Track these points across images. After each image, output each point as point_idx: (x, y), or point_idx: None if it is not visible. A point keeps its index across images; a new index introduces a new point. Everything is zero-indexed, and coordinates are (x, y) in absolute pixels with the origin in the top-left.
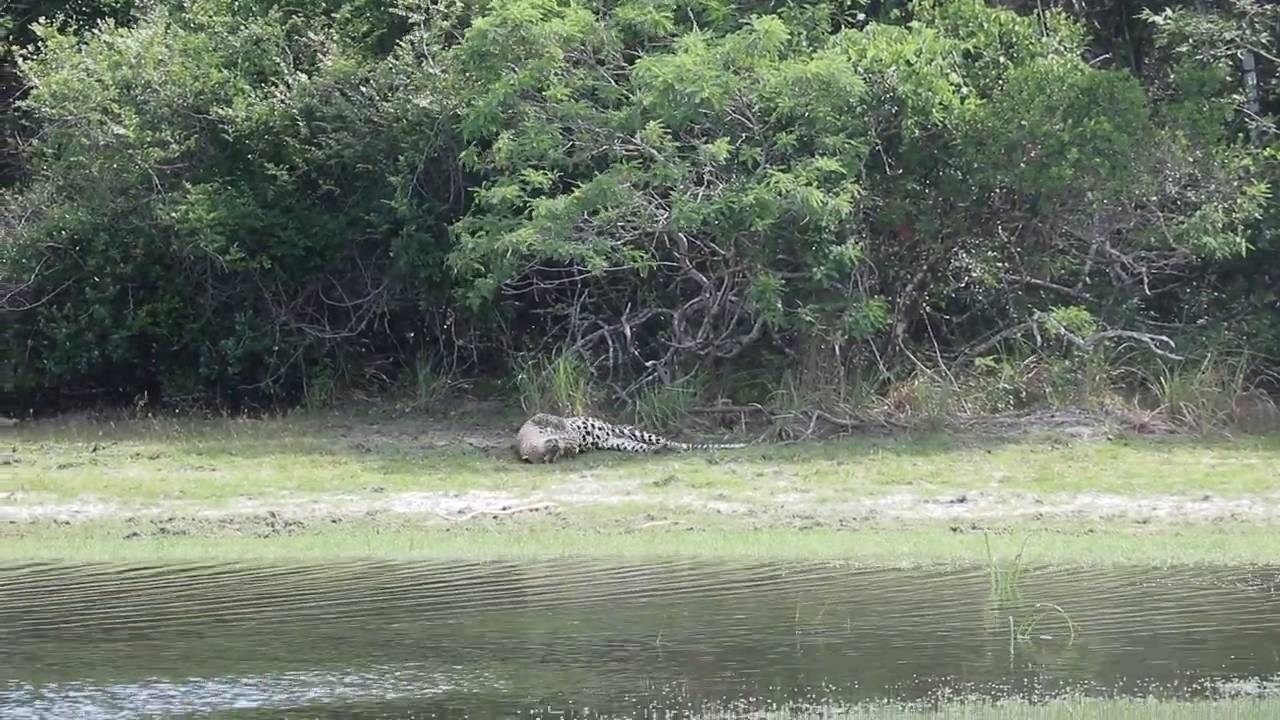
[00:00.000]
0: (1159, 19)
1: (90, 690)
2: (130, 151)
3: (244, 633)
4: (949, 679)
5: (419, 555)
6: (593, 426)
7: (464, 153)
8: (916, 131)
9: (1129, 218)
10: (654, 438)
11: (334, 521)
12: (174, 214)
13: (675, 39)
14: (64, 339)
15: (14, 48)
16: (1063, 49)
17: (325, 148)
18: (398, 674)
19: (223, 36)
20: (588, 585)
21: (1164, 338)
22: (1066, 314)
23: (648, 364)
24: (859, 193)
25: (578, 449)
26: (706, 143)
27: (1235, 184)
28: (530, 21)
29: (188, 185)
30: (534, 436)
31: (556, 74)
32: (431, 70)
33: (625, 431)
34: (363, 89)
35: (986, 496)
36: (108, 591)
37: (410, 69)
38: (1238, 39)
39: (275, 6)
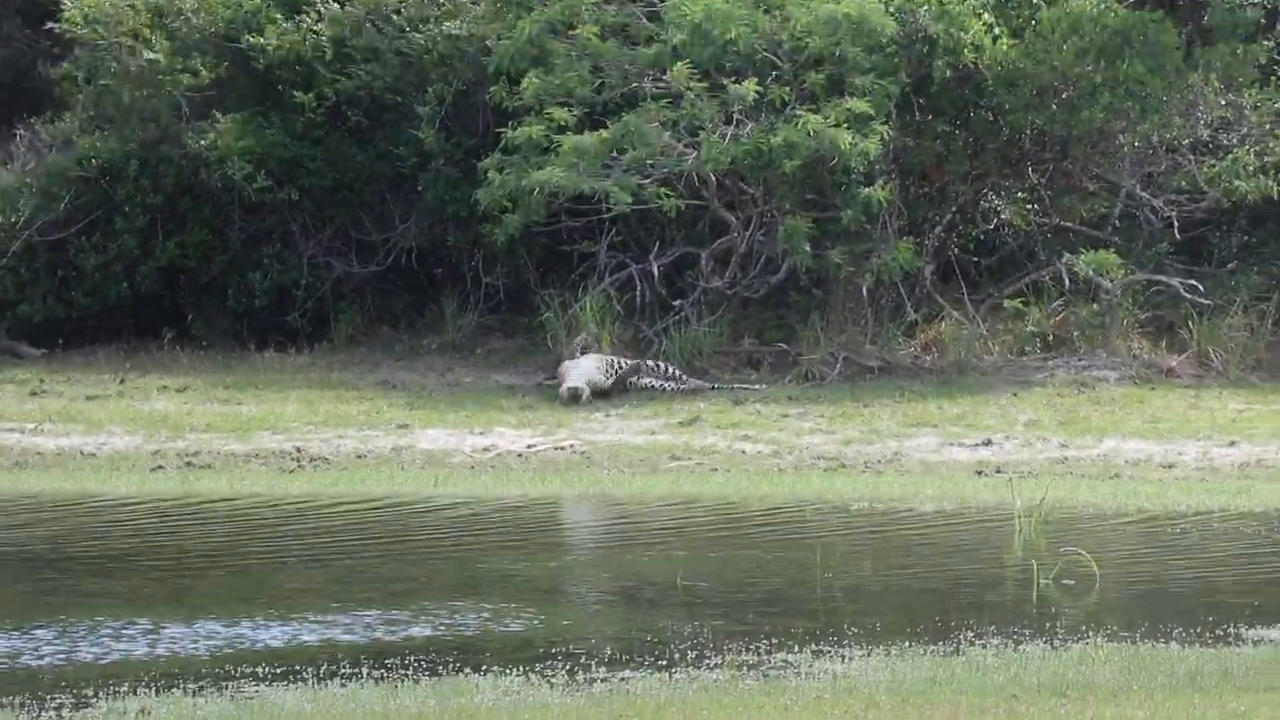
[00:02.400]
0: None
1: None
2: (160, 78)
3: (271, 571)
4: (971, 622)
5: (443, 492)
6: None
7: (493, 87)
8: (947, 72)
9: (1160, 161)
10: (683, 375)
11: (359, 457)
12: (203, 142)
13: None
14: (93, 270)
15: None
16: None
17: (355, 78)
18: (421, 613)
19: None
20: (611, 524)
21: (1193, 282)
22: (1095, 257)
23: (675, 303)
24: (888, 134)
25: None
26: (736, 82)
27: (1267, 128)
28: None
29: (217, 114)
30: (598, 374)
31: (587, 10)
32: (463, 1)
33: (663, 370)
34: (394, 18)
35: (1012, 440)
36: (132, 524)
37: (442, 0)
38: None
39: None
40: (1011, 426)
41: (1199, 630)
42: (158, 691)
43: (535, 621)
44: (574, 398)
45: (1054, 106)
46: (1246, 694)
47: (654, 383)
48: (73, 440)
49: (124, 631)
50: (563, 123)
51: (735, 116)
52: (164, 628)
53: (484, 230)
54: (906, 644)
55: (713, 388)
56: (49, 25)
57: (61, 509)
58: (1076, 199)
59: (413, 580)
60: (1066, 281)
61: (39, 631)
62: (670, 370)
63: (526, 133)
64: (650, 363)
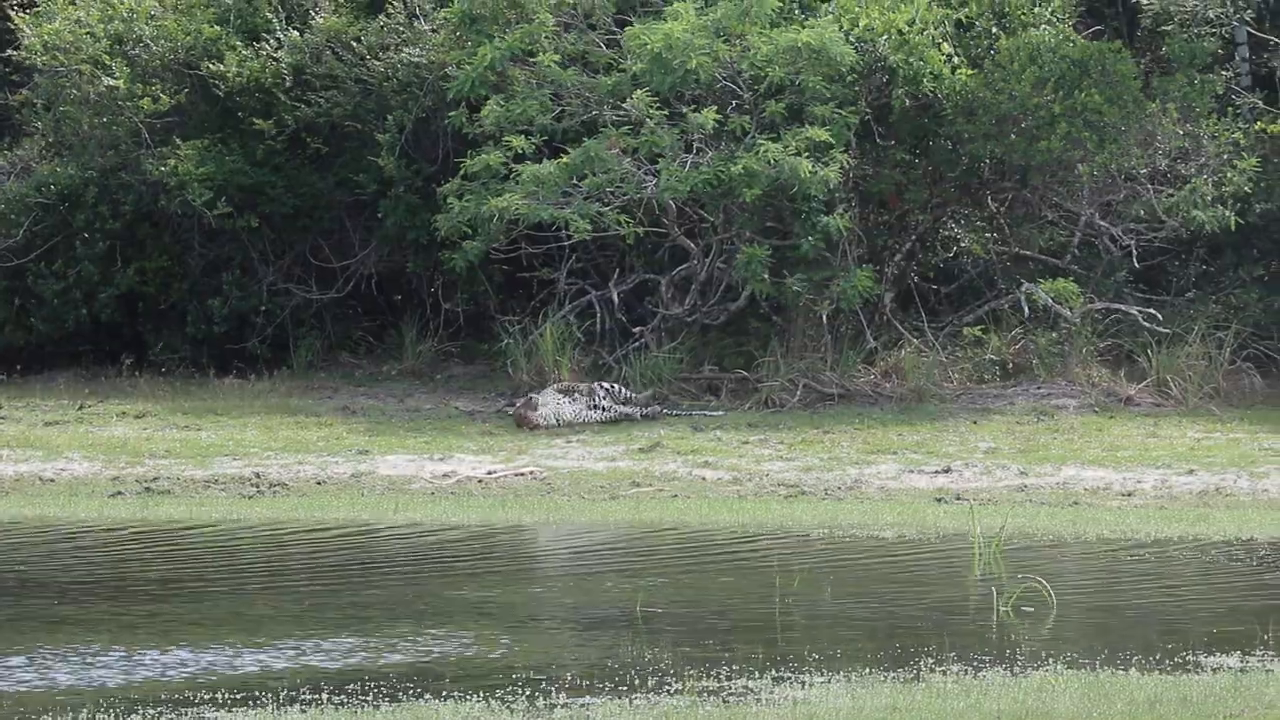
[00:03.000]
0: None
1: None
2: (120, 105)
3: (227, 596)
4: (931, 649)
5: (403, 518)
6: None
7: (453, 114)
8: (907, 101)
9: (1118, 190)
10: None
11: (319, 483)
12: (163, 169)
13: (667, 4)
14: (52, 296)
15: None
16: (1055, 20)
17: (315, 106)
18: (382, 639)
19: None
20: (571, 551)
21: (1151, 311)
22: (1054, 285)
23: (634, 330)
24: (848, 162)
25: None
26: (696, 110)
27: (1225, 158)
28: None
29: (177, 141)
30: (566, 408)
31: (547, 38)
32: (423, 29)
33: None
34: (354, 45)
35: (971, 467)
36: (90, 550)
37: (402, 28)
38: (1222, 16)
39: None
40: (971, 454)
41: (1158, 657)
42: (117, 717)
43: (496, 647)
44: (528, 407)
45: (1013, 136)
46: None
47: (636, 412)
48: (31, 466)
49: (88, 658)
50: (521, 150)
51: (695, 145)
52: (128, 654)
53: (444, 257)
54: (867, 671)
55: (674, 414)
56: (8, 52)
57: (20, 535)
58: (1035, 228)
59: (374, 607)
60: (1026, 310)
61: (2, 659)
62: (624, 393)
63: (484, 161)
64: (627, 392)
